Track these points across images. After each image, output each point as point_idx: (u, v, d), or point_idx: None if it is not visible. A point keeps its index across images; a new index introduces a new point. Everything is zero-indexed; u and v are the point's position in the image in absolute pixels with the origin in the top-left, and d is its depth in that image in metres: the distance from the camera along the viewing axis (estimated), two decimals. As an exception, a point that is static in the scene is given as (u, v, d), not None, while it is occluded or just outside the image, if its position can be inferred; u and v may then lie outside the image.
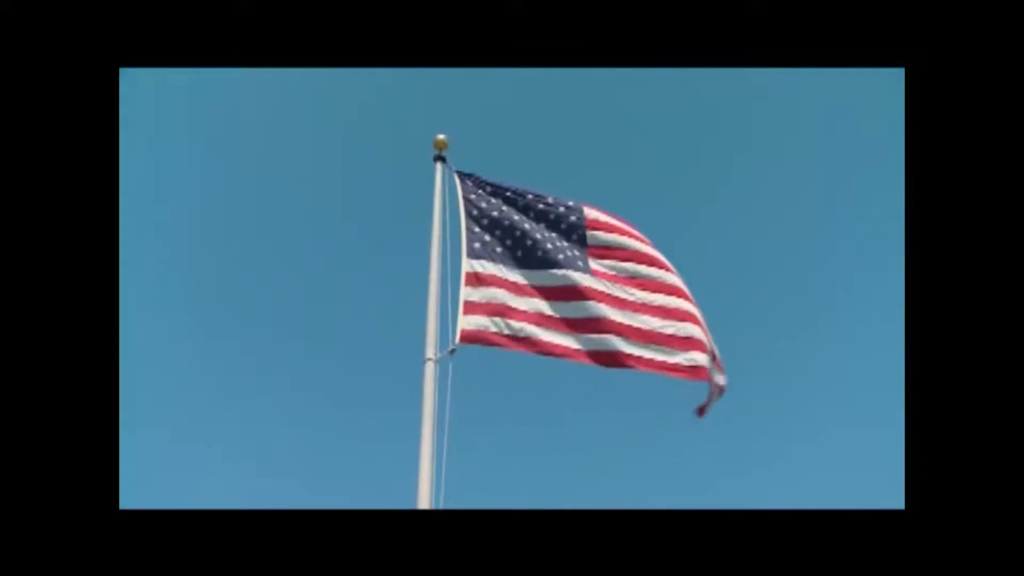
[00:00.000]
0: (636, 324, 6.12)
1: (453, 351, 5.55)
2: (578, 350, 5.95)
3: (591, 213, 6.52)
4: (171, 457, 16.04)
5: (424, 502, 4.82)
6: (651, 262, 6.44)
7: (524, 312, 5.97)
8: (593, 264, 6.33)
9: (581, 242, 6.40)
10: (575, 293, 6.12)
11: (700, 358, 6.08)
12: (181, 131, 16.95)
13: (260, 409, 17.07)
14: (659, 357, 6.05)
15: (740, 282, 18.72)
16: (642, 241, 6.53)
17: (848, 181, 18.26)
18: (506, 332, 5.85)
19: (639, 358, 6.03)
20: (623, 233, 6.51)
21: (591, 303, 6.09)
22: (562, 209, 6.50)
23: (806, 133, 18.54)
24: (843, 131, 17.95)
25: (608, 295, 6.18)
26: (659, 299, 6.28)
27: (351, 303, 18.54)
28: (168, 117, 16.50)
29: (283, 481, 16.14)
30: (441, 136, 6.57)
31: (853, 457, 16.78)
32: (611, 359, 5.99)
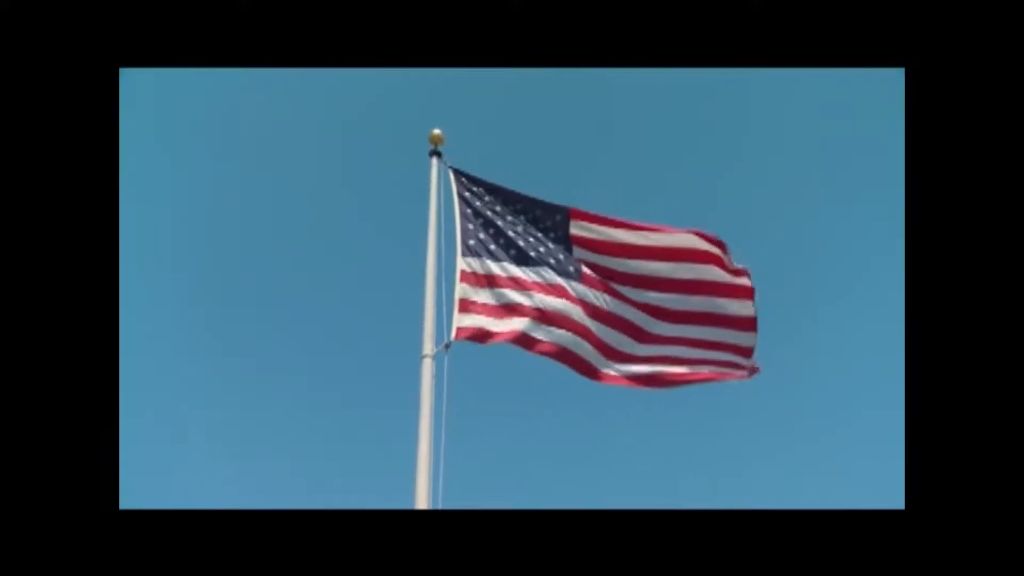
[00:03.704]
0: (613, 344, 6.25)
1: (448, 346, 5.55)
2: (567, 351, 6.03)
3: (576, 212, 6.43)
4: (171, 457, 16.06)
5: (422, 502, 4.79)
6: (638, 253, 6.38)
7: (520, 307, 5.96)
8: (584, 269, 6.32)
9: (567, 246, 6.38)
10: (566, 296, 6.13)
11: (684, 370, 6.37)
12: (181, 131, 16.97)
13: (257, 407, 17.10)
14: (634, 371, 6.30)
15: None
16: (629, 228, 6.42)
17: (848, 181, 18.27)
18: (501, 329, 5.85)
19: (615, 377, 6.23)
20: (610, 224, 6.43)
21: (579, 310, 6.12)
22: (551, 212, 6.44)
23: (806, 133, 18.56)
24: (843, 131, 17.96)
25: (596, 307, 6.22)
26: (640, 317, 6.39)
27: (348, 300, 18.56)
28: (168, 117, 16.52)
29: (281, 480, 16.16)
30: (437, 131, 6.56)
31: (853, 457, 16.80)
32: (590, 371, 6.13)
